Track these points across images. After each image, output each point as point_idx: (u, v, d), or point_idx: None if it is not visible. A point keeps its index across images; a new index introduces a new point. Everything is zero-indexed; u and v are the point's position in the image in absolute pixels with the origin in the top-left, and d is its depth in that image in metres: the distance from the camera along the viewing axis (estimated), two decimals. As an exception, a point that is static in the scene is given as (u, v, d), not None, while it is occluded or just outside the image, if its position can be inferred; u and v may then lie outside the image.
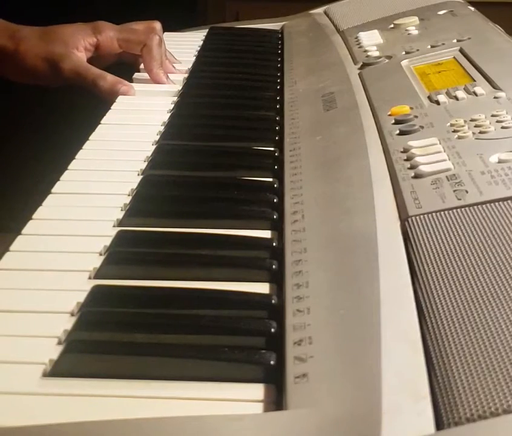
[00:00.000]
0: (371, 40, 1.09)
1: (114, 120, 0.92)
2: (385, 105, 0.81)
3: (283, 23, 1.39)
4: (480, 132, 0.69)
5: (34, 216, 0.67)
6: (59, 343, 0.51)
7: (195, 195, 0.73)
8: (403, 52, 0.99)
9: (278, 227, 0.66)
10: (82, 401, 0.47)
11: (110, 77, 1.00)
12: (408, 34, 1.08)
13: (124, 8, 1.62)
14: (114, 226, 0.67)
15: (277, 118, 0.90)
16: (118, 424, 0.44)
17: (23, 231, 0.65)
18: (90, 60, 1.05)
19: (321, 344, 0.48)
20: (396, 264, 0.54)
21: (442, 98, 0.79)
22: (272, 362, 0.49)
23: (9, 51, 1.01)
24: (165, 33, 1.25)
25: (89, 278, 0.59)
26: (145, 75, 1.05)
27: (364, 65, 0.99)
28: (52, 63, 1.01)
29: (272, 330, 0.52)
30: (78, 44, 1.01)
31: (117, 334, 0.52)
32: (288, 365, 0.47)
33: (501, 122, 0.71)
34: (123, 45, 1.07)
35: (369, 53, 1.03)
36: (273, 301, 0.55)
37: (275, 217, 0.67)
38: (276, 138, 0.85)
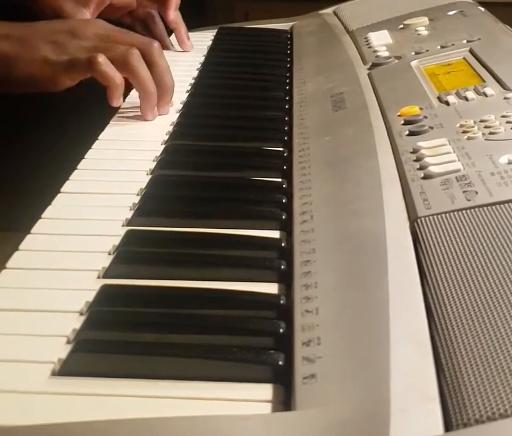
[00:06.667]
0: (380, 41, 1.09)
1: (123, 119, 0.92)
2: (395, 105, 0.81)
3: (292, 23, 1.39)
4: (490, 133, 0.69)
5: (43, 215, 0.68)
6: (68, 342, 0.51)
7: (204, 195, 0.73)
8: (413, 53, 0.99)
9: (286, 227, 0.65)
10: (91, 400, 0.47)
11: None
12: (418, 34, 1.08)
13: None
14: (122, 226, 0.67)
15: (286, 118, 0.90)
16: (126, 424, 0.44)
17: (33, 230, 0.65)
18: (103, 11, 1.14)
19: (329, 345, 0.48)
20: (405, 265, 0.54)
21: (451, 99, 0.79)
22: (280, 362, 0.49)
23: (32, 8, 1.10)
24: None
25: (98, 277, 0.59)
26: None
27: (374, 66, 0.99)
28: None
29: (281, 330, 0.51)
30: (89, 4, 1.11)
31: (125, 334, 0.52)
32: (296, 365, 0.47)
33: (511, 122, 0.70)
34: None
35: (378, 53, 1.03)
36: (281, 302, 0.55)
37: (283, 217, 0.67)
38: (285, 138, 0.85)
